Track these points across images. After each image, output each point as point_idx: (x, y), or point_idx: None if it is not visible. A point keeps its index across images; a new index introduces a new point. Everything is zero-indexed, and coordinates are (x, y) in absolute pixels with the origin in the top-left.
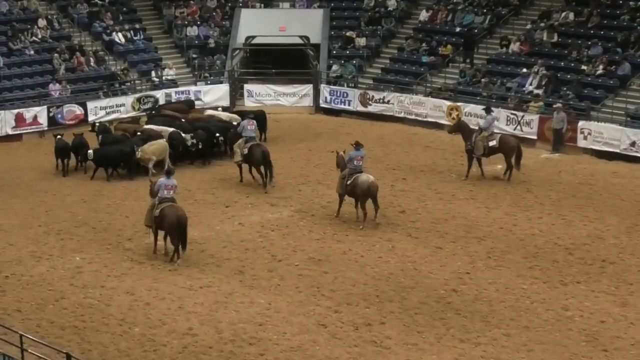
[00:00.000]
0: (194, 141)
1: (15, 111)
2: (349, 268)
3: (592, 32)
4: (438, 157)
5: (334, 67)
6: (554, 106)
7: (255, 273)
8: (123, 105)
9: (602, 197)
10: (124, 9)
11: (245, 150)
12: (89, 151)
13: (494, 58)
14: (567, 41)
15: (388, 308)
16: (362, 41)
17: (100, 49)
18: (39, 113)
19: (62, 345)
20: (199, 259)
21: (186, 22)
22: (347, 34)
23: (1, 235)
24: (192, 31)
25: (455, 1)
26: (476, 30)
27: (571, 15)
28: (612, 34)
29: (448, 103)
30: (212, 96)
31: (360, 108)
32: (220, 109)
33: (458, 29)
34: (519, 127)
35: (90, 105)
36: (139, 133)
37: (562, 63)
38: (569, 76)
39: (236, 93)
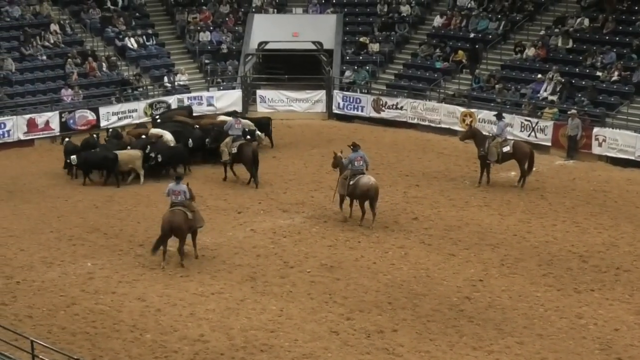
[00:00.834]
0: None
1: (27, 116)
2: (362, 275)
3: (607, 38)
4: (451, 163)
5: (347, 73)
6: (569, 113)
7: (267, 279)
8: (135, 110)
9: (616, 204)
10: (137, 14)
11: (234, 149)
12: (72, 156)
13: (508, 64)
14: (582, 47)
15: (400, 315)
16: (375, 47)
17: (112, 54)
18: (51, 118)
19: (74, 351)
20: (210, 265)
21: (199, 28)
22: (361, 39)
23: (13, 241)
24: (204, 36)
25: (470, 7)
26: (481, 42)
27: (586, 21)
28: (627, 40)
29: (462, 109)
30: (225, 102)
31: (373, 114)
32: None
33: (472, 35)
34: (533, 134)
35: (103, 110)
36: (143, 137)
37: (577, 69)
38: (583, 82)
39: (249, 99)
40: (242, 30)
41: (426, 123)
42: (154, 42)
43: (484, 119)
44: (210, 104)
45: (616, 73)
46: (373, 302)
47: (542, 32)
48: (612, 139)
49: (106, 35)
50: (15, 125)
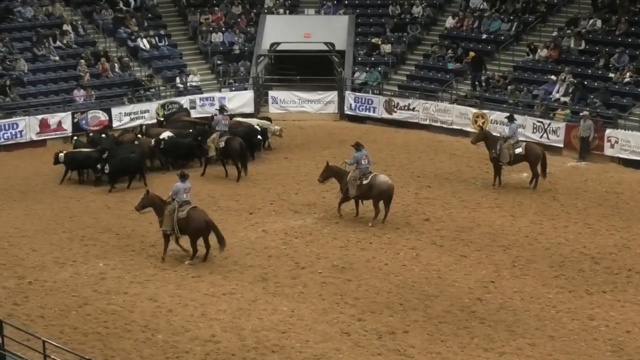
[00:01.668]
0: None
1: (40, 117)
2: (373, 276)
3: (619, 39)
4: (463, 164)
5: (359, 74)
6: (581, 114)
7: (279, 280)
8: (147, 111)
9: (628, 205)
10: (149, 15)
11: (222, 144)
12: (60, 154)
13: (521, 65)
14: (594, 48)
15: (412, 316)
16: (387, 48)
17: (125, 55)
18: (64, 119)
19: (85, 351)
20: (222, 265)
21: (211, 29)
22: (373, 40)
23: (25, 241)
24: (217, 37)
25: (482, 8)
26: (493, 44)
27: (599, 23)
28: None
29: (474, 110)
30: (237, 103)
31: (385, 115)
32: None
33: (484, 36)
34: (545, 135)
35: (115, 111)
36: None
37: (589, 70)
38: (596, 84)
39: (261, 100)
40: (254, 31)
41: (438, 124)
42: (166, 43)
43: (496, 120)
44: (222, 105)
45: (629, 74)
46: (384, 303)
47: (555, 34)
48: (625, 141)
49: (118, 36)
50: (28, 126)
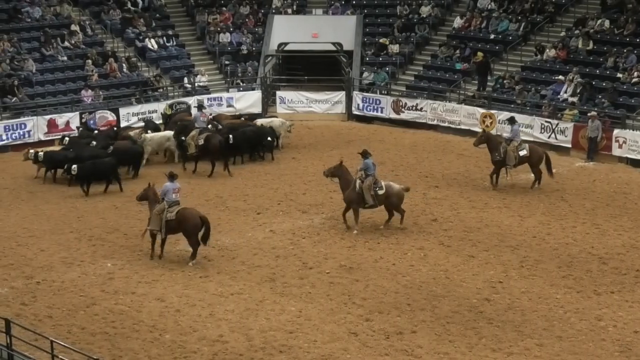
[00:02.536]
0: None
1: (48, 117)
2: (381, 276)
3: (627, 39)
4: (471, 165)
5: (367, 74)
6: (589, 114)
7: (286, 280)
8: (155, 111)
9: (637, 206)
10: (157, 15)
11: (201, 141)
12: (39, 153)
13: (529, 65)
14: (602, 49)
15: (419, 317)
16: (395, 48)
17: (133, 55)
18: (72, 119)
19: (93, 351)
20: (230, 266)
21: (219, 29)
22: (380, 40)
23: (33, 241)
24: (224, 38)
25: (490, 8)
26: (501, 44)
27: (607, 23)
28: None
29: (482, 110)
30: (244, 103)
31: (393, 115)
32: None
33: (492, 36)
34: (553, 135)
35: (123, 111)
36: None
37: (597, 71)
38: (604, 84)
39: (268, 100)
40: (262, 31)
41: (446, 124)
42: (174, 43)
43: (504, 120)
44: (230, 105)
45: (636, 74)
46: (392, 304)
47: (563, 34)
48: (633, 141)
49: (126, 36)
50: (36, 126)
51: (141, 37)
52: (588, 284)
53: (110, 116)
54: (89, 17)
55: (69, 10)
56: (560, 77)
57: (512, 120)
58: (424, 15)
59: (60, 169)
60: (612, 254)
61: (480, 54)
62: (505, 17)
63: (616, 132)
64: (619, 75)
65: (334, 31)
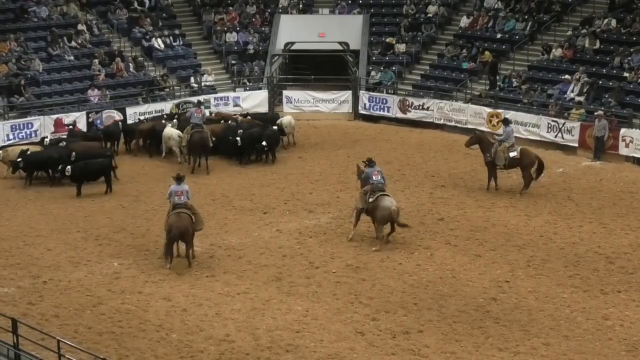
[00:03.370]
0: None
1: (54, 116)
2: (387, 276)
3: (634, 39)
4: (478, 164)
5: (373, 74)
6: (596, 114)
7: (293, 280)
8: (162, 111)
9: None
10: (164, 14)
11: (188, 136)
12: (19, 158)
13: (535, 65)
14: (609, 48)
15: (426, 316)
16: (401, 47)
17: (139, 54)
18: (78, 119)
19: (100, 351)
20: (236, 265)
21: (225, 28)
22: (387, 40)
23: (40, 241)
24: (231, 37)
25: (497, 7)
26: (508, 43)
27: (613, 22)
28: None
29: (488, 110)
30: (251, 102)
31: (400, 115)
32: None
33: (499, 36)
34: (560, 135)
35: (129, 111)
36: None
37: (604, 70)
38: (610, 83)
39: (275, 99)
40: (269, 31)
41: (452, 124)
42: (181, 42)
43: (511, 119)
44: (236, 105)
45: None
46: (399, 303)
47: (569, 33)
48: (639, 140)
49: (133, 35)
50: (43, 125)
51: (148, 37)
52: (595, 284)
53: (117, 116)
54: (96, 16)
55: (75, 10)
56: (567, 76)
57: (506, 122)
58: (431, 15)
59: (44, 170)
60: (619, 253)
61: (488, 53)
62: (512, 16)
63: (623, 131)
64: (626, 74)
65: (341, 30)
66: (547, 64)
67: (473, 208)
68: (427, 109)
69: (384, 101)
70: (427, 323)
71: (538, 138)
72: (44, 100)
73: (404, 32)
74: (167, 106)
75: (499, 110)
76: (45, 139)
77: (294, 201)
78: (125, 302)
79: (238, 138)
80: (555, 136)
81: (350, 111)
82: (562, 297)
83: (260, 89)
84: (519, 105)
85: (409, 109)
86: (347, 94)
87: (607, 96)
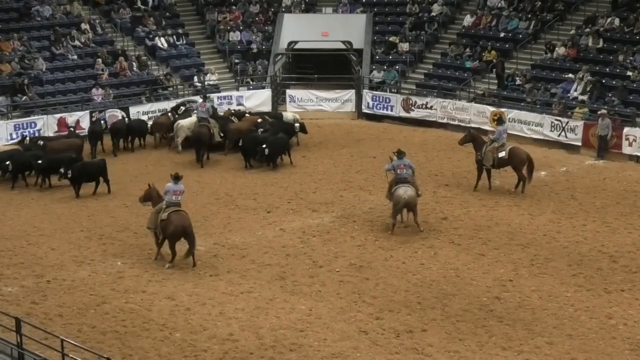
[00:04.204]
0: None
1: (58, 116)
2: (391, 275)
3: (637, 38)
4: None
5: (377, 73)
6: (599, 112)
7: (296, 279)
8: (165, 110)
9: None
10: (167, 14)
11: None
12: (7, 162)
13: (539, 64)
14: (612, 47)
15: (430, 315)
16: (405, 46)
17: (143, 54)
18: (82, 118)
19: (103, 350)
20: (240, 264)
21: (229, 27)
22: (390, 39)
23: (43, 240)
24: (234, 36)
25: (500, 6)
26: (511, 42)
27: (617, 21)
28: None
29: (492, 109)
30: (254, 101)
31: (403, 114)
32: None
33: (502, 35)
34: (563, 134)
35: (133, 110)
36: None
37: (608, 69)
38: (614, 82)
39: (278, 98)
40: (272, 30)
41: (456, 123)
42: (184, 41)
43: (514, 118)
44: (240, 104)
45: None
46: (402, 302)
47: (573, 32)
48: None
49: (136, 34)
50: (46, 125)
51: (151, 36)
52: (598, 282)
53: (121, 115)
54: (99, 15)
55: (79, 9)
56: (570, 75)
57: (500, 121)
58: (434, 14)
59: (27, 171)
60: (623, 252)
61: (493, 52)
62: (515, 15)
63: (626, 130)
64: (629, 73)
65: (344, 29)
66: (551, 63)
67: (476, 207)
68: (431, 108)
69: (388, 100)
70: (431, 322)
71: (541, 137)
72: (48, 100)
73: (407, 31)
74: (170, 105)
75: (503, 109)
76: (26, 139)
77: (298, 200)
78: (129, 301)
79: (264, 146)
80: (559, 135)
81: (354, 110)
82: (566, 296)
83: (263, 88)
84: (522, 104)
85: (413, 108)
86: (351, 93)
87: (610, 95)
